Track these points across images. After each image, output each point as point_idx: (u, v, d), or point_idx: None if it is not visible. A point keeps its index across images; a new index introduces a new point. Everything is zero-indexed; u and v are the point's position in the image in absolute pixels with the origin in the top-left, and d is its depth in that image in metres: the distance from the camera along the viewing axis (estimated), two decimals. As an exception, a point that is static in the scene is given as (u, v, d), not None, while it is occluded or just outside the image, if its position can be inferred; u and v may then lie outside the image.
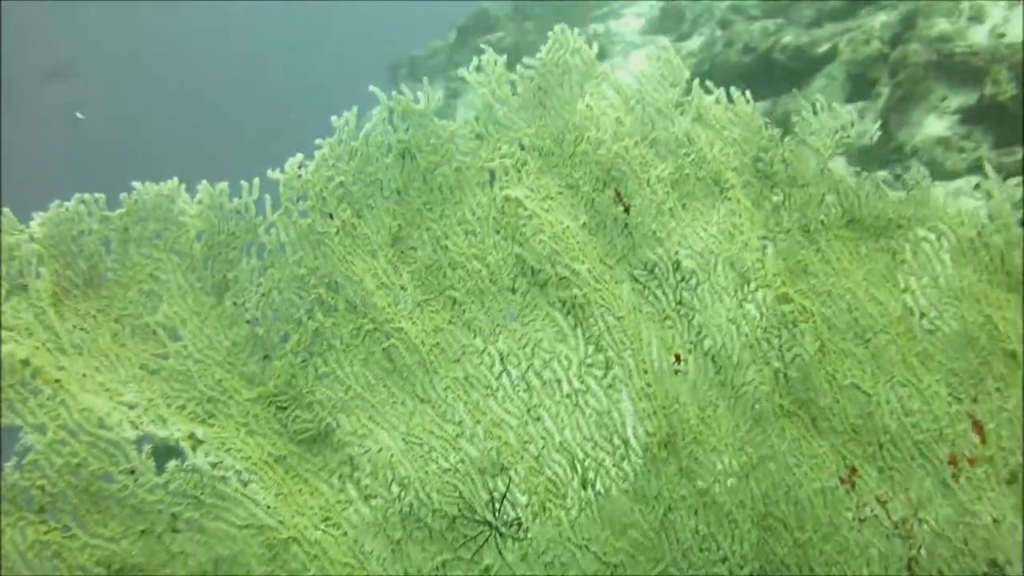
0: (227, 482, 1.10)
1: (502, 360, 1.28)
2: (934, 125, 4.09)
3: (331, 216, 1.26)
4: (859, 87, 4.68)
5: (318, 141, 1.26)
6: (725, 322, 1.33)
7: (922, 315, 1.39)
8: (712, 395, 1.32)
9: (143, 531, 1.05)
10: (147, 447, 1.08)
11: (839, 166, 1.45)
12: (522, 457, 1.24)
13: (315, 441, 1.22)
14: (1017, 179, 3.65)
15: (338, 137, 1.27)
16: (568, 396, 1.27)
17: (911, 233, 1.42)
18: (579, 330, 1.30)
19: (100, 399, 1.09)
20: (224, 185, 1.24)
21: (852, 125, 1.42)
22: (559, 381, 1.28)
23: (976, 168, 3.78)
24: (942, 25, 4.30)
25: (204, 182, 1.23)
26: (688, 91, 1.41)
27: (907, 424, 1.35)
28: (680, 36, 6.53)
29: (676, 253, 1.35)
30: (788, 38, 5.22)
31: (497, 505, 1.20)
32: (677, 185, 1.38)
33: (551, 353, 1.29)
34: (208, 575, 1.08)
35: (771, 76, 5.17)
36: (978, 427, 1.36)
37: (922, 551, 1.29)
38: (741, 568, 1.27)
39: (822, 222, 1.42)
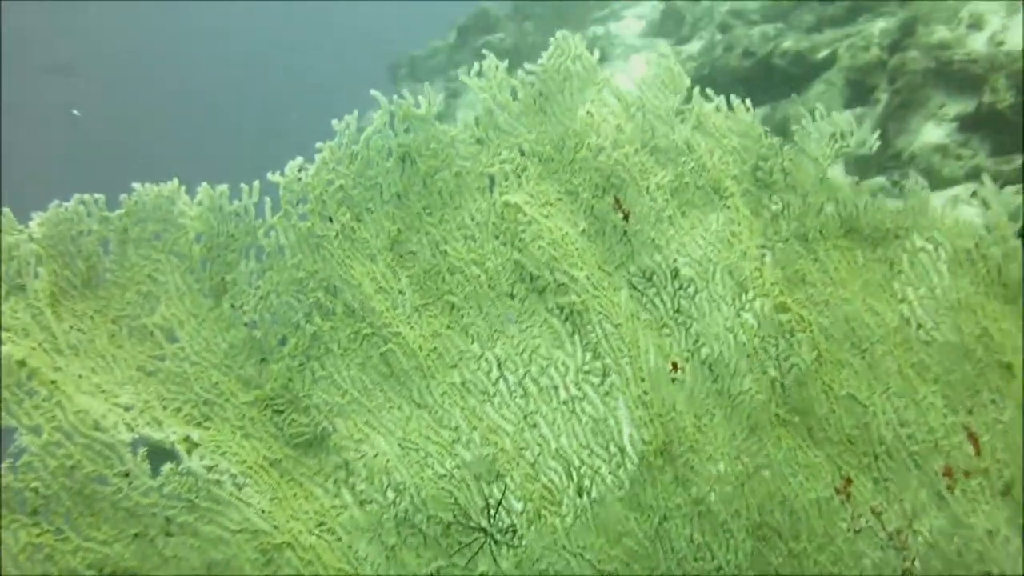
0: (222, 486, 1.10)
1: (499, 366, 1.28)
2: (932, 132, 4.10)
3: (330, 220, 1.26)
4: (858, 93, 4.69)
5: (318, 144, 1.26)
6: (722, 331, 1.33)
7: (919, 326, 1.39)
8: (709, 404, 1.32)
9: (136, 534, 1.05)
10: (142, 450, 1.08)
11: (837, 173, 1.46)
12: (518, 464, 1.24)
13: (311, 445, 1.21)
14: (1014, 187, 3.66)
15: (338, 141, 1.27)
16: (565, 403, 1.28)
17: (908, 243, 1.42)
18: (577, 337, 1.30)
19: (96, 401, 1.09)
20: (224, 187, 1.23)
21: (852, 134, 1.42)
22: (556, 388, 1.28)
23: (973, 175, 3.79)
24: (941, 32, 4.31)
25: (204, 184, 1.23)
26: (688, 98, 1.41)
27: (903, 435, 1.35)
28: (680, 39, 6.53)
29: (675, 261, 1.35)
30: (788, 43, 5.23)
31: (492, 512, 1.20)
32: (676, 193, 1.38)
33: (548, 359, 1.29)
34: (202, 579, 1.07)
35: (771, 81, 5.18)
36: (973, 439, 1.36)
37: (916, 563, 1.30)
38: (735, 577, 1.27)
39: (820, 231, 1.42)
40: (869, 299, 1.40)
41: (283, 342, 1.24)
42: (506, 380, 1.27)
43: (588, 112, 1.34)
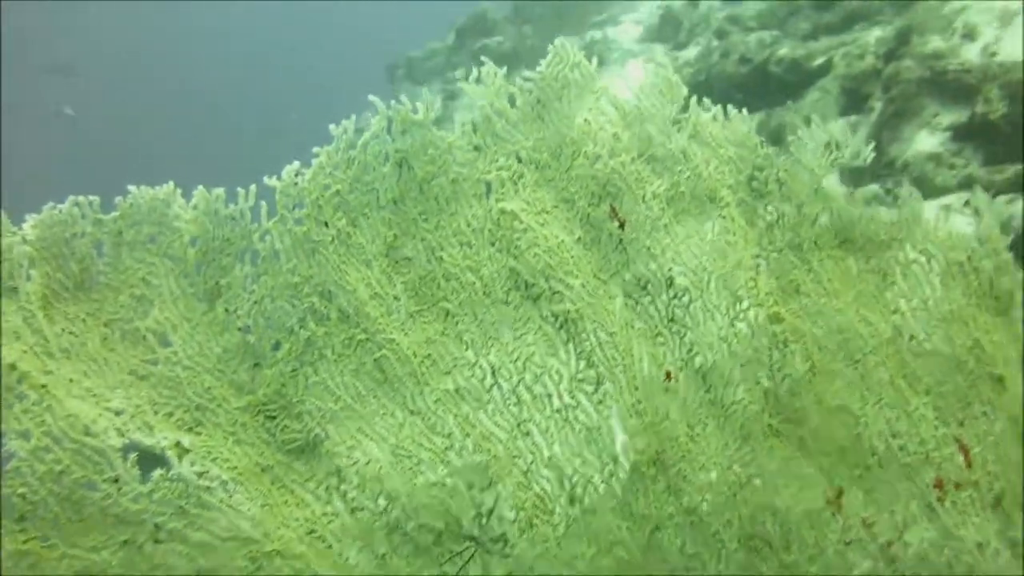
0: (212, 492, 1.09)
1: (493, 373, 1.28)
2: (926, 141, 4.12)
3: (326, 225, 1.26)
4: (853, 101, 4.71)
5: (315, 149, 1.26)
6: (716, 340, 1.34)
7: (911, 337, 1.40)
8: (702, 413, 1.32)
9: (125, 541, 1.04)
10: (132, 455, 1.07)
11: (832, 181, 1.46)
12: (511, 472, 1.23)
13: (303, 451, 1.21)
14: (1006, 197, 3.68)
15: (335, 145, 1.26)
16: (558, 411, 1.28)
17: (901, 255, 1.43)
18: (571, 345, 1.30)
19: (86, 405, 1.08)
20: (220, 191, 1.23)
21: (846, 146, 1.43)
22: (550, 396, 1.28)
23: (966, 184, 3.82)
24: (936, 42, 4.34)
25: (200, 188, 1.22)
26: (685, 107, 1.42)
27: (894, 446, 1.36)
28: (677, 45, 6.55)
29: (669, 270, 1.35)
30: (784, 50, 5.25)
31: (484, 520, 1.20)
32: (672, 202, 1.39)
33: (542, 367, 1.29)
34: (191, 585, 1.07)
35: (767, 88, 5.20)
36: (964, 451, 1.37)
37: (906, 574, 1.30)
38: (726, 586, 1.27)
39: (815, 242, 1.42)
40: (862, 310, 1.41)
41: (277, 347, 1.23)
42: (500, 387, 1.27)
43: (585, 120, 1.34)
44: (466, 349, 1.28)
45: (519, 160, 1.34)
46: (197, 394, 1.18)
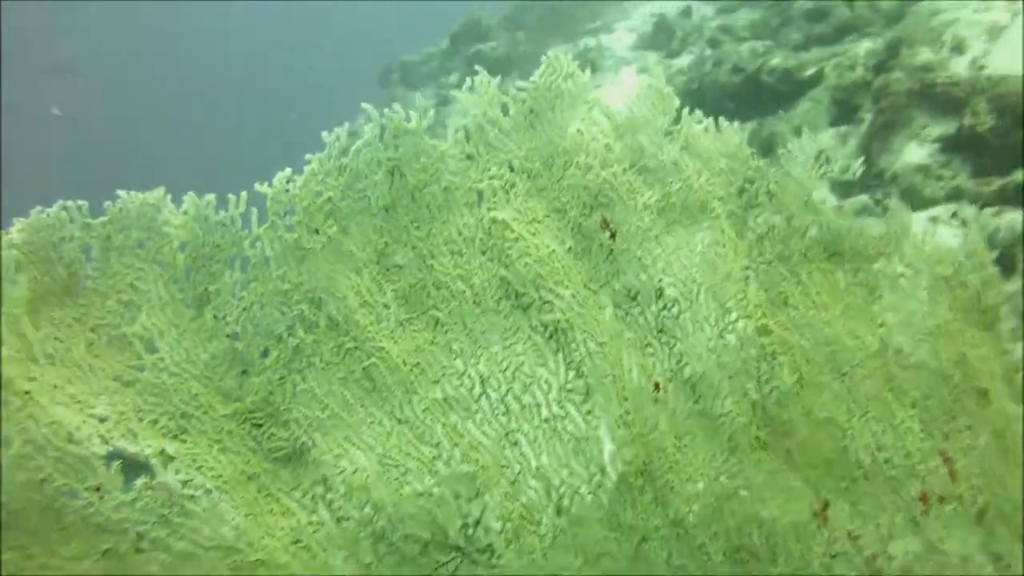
0: (196, 501, 1.08)
1: (482, 382, 1.27)
2: (915, 152, 4.16)
3: (317, 232, 1.25)
4: (843, 112, 4.75)
5: (307, 156, 1.26)
6: (705, 351, 1.34)
7: (898, 351, 1.41)
8: (690, 424, 1.33)
9: (106, 551, 1.03)
10: (116, 463, 1.06)
11: (822, 192, 1.47)
12: (498, 482, 1.23)
13: (289, 460, 1.20)
14: (993, 209, 3.71)
15: (327, 152, 1.26)
16: (546, 421, 1.27)
17: (889, 269, 1.44)
18: (560, 355, 1.30)
19: (70, 412, 1.07)
20: (211, 197, 1.22)
21: (836, 160, 1.44)
22: (538, 406, 1.28)
23: (954, 196, 3.86)
24: (925, 54, 4.38)
25: (190, 193, 1.21)
26: (677, 119, 1.42)
27: (880, 459, 1.37)
28: (670, 53, 6.59)
29: (660, 280, 1.36)
30: (776, 60, 5.29)
31: (471, 530, 1.20)
32: (663, 213, 1.39)
33: (531, 377, 1.28)
34: (174, 594, 1.06)
35: (759, 97, 5.24)
36: (949, 464, 1.38)
37: (890, 588, 1.31)
38: (713, 598, 1.27)
39: (804, 254, 1.43)
40: (850, 323, 1.42)
41: (265, 354, 1.23)
42: (489, 397, 1.27)
43: (578, 130, 1.35)
44: (455, 358, 1.28)
45: (511, 169, 1.34)
46: (183, 401, 1.17)
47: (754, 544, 1.30)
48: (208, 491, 1.10)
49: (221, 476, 1.14)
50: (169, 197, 1.22)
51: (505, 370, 1.28)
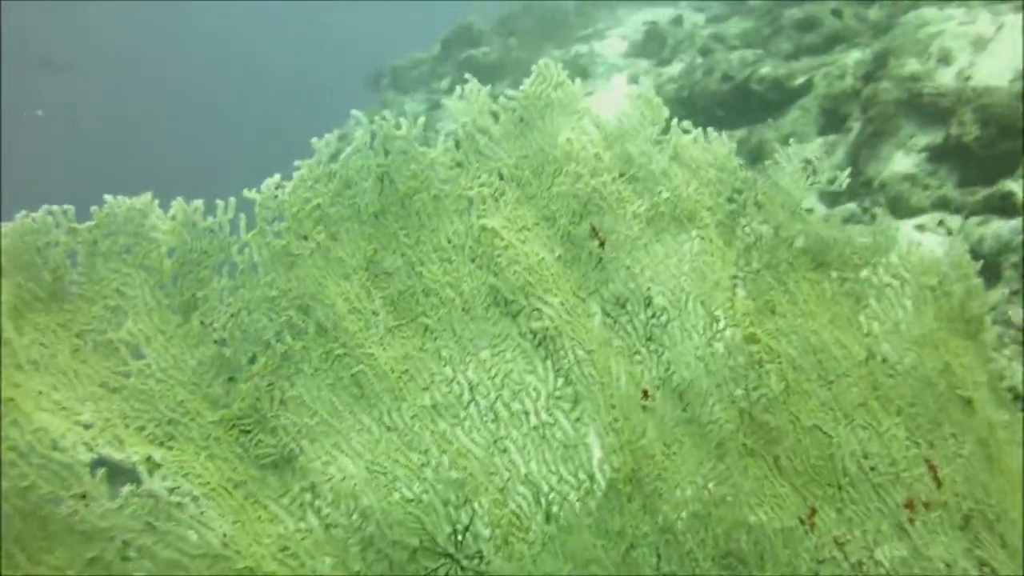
0: (183, 508, 1.07)
1: (471, 390, 1.28)
2: (902, 161, 4.20)
3: (306, 238, 1.25)
4: (832, 120, 4.80)
5: (296, 163, 1.26)
6: (694, 359, 1.35)
7: (884, 359, 1.42)
8: (678, 431, 1.33)
9: (92, 559, 1.02)
10: (102, 471, 1.05)
11: (811, 200, 1.49)
12: (487, 489, 1.23)
13: (277, 467, 1.20)
14: (978, 218, 3.75)
15: (317, 159, 1.26)
16: (535, 428, 1.28)
17: (875, 278, 1.46)
18: (549, 362, 1.31)
19: (55, 418, 1.06)
20: (199, 203, 1.22)
21: (823, 172, 1.45)
22: (527, 413, 1.28)
23: (940, 205, 3.90)
24: (913, 65, 4.44)
25: (178, 199, 1.21)
26: (667, 129, 1.43)
27: (866, 467, 1.37)
28: (661, 61, 6.63)
29: (648, 289, 1.36)
30: (766, 69, 5.34)
31: (460, 538, 1.20)
32: (652, 222, 1.40)
33: (520, 384, 1.29)
34: (160, 602, 1.05)
35: (748, 105, 5.28)
36: (934, 471, 1.39)
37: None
38: (700, 605, 1.28)
39: (791, 264, 1.44)
40: (837, 331, 1.43)
41: (253, 361, 1.22)
42: (477, 404, 1.27)
43: (567, 139, 1.35)
44: (444, 365, 1.28)
45: (501, 177, 1.34)
46: (170, 408, 1.17)
47: (742, 550, 1.30)
48: (195, 498, 1.09)
49: (208, 483, 1.13)
50: (157, 202, 1.21)
51: (494, 377, 1.28)
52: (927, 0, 4.87)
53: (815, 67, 5.15)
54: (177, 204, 1.21)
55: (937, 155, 4.03)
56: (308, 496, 1.19)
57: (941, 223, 3.82)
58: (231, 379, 1.21)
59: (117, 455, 1.08)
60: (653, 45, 6.82)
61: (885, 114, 4.40)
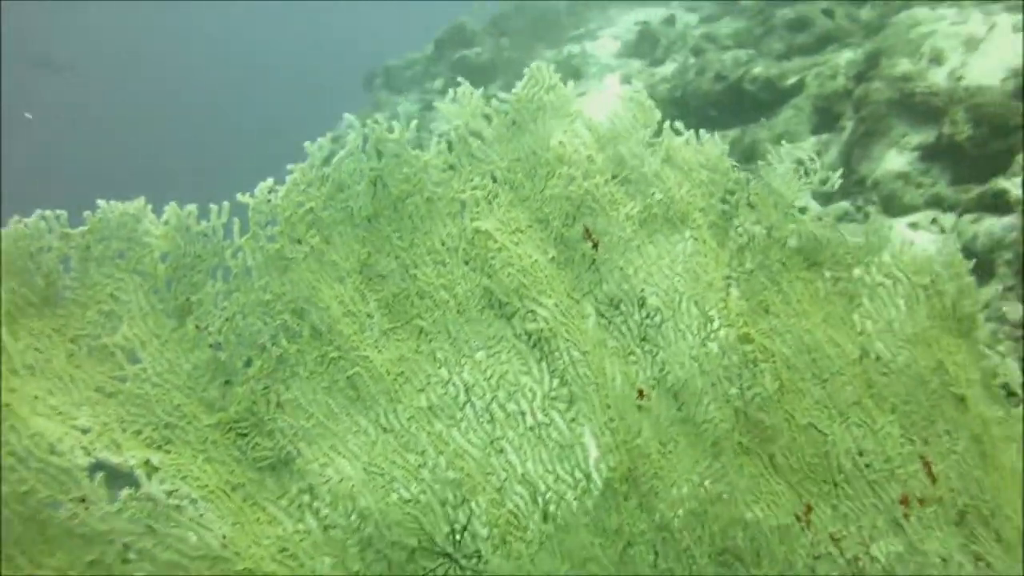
0: (181, 511, 1.08)
1: (467, 391, 1.28)
2: (894, 160, 4.22)
3: (299, 242, 1.25)
4: (824, 120, 4.82)
5: (289, 167, 1.26)
6: (688, 359, 1.35)
7: (877, 358, 1.43)
8: (674, 431, 1.34)
9: (92, 562, 1.02)
10: (100, 474, 1.05)
11: (804, 199, 1.50)
12: (484, 489, 1.24)
13: (275, 469, 1.20)
14: (970, 216, 3.77)
15: (310, 163, 1.26)
16: (531, 428, 1.28)
17: (868, 278, 1.47)
18: (544, 363, 1.31)
19: (52, 423, 1.06)
20: (192, 207, 1.22)
21: (815, 172, 1.46)
22: (523, 413, 1.28)
23: (933, 203, 3.92)
24: (905, 65, 4.46)
25: (172, 203, 1.21)
26: (659, 131, 1.44)
27: (861, 464, 1.38)
28: (654, 61, 6.65)
29: (642, 290, 1.37)
30: (758, 69, 5.36)
31: (458, 537, 1.20)
32: (645, 223, 1.41)
33: (516, 385, 1.29)
34: (158, 607, 1.05)
35: (741, 105, 5.30)
36: (928, 468, 1.40)
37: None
38: (697, 604, 1.28)
39: (784, 264, 1.45)
40: (830, 330, 1.44)
41: (248, 364, 1.22)
42: (473, 405, 1.27)
43: (560, 142, 1.36)
44: (440, 367, 1.28)
45: (494, 180, 1.35)
46: (166, 412, 1.17)
47: (739, 547, 1.31)
48: (194, 501, 1.09)
49: (206, 486, 1.13)
50: (151, 207, 1.21)
51: (489, 378, 1.29)
52: (919, 0, 4.89)
53: (807, 67, 5.17)
54: (170, 208, 1.22)
55: (930, 154, 4.05)
56: (306, 498, 1.19)
57: (934, 221, 3.84)
58: (227, 383, 1.21)
59: (115, 459, 1.08)
60: (646, 45, 6.84)
61: (877, 114, 4.42)
